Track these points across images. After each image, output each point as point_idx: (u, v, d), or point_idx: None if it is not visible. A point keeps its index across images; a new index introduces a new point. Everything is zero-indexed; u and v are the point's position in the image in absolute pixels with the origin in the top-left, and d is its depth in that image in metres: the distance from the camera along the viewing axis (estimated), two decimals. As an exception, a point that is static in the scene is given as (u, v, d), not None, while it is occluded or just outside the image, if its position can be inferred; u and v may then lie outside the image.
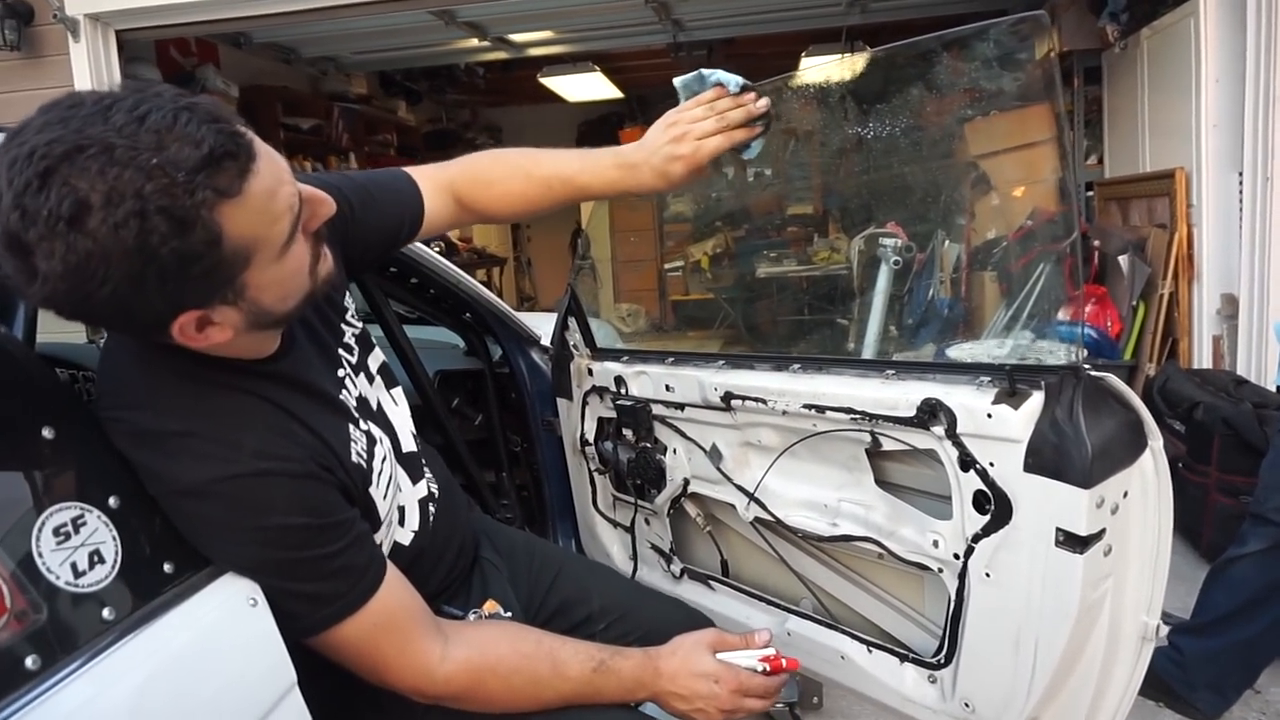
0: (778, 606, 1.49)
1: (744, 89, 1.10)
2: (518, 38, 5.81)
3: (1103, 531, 1.02)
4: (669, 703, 1.03)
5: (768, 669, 1.02)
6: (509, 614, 1.11)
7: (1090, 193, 4.48)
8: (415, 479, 1.08)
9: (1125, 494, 1.05)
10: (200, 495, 0.78)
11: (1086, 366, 1.01)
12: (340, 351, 1.02)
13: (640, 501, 1.67)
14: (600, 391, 1.67)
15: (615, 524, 1.79)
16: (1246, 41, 3.08)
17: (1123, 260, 3.72)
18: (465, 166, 1.21)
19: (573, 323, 1.72)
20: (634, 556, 1.76)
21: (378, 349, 1.12)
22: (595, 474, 1.78)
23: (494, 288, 8.12)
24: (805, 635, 1.42)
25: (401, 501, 1.03)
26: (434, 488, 1.12)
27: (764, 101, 1.11)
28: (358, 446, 0.93)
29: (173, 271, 0.67)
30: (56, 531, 0.67)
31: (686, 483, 1.55)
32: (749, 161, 1.15)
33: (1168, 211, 3.58)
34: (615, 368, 1.62)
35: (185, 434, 0.78)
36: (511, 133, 8.90)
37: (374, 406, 1.05)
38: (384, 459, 0.98)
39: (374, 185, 1.12)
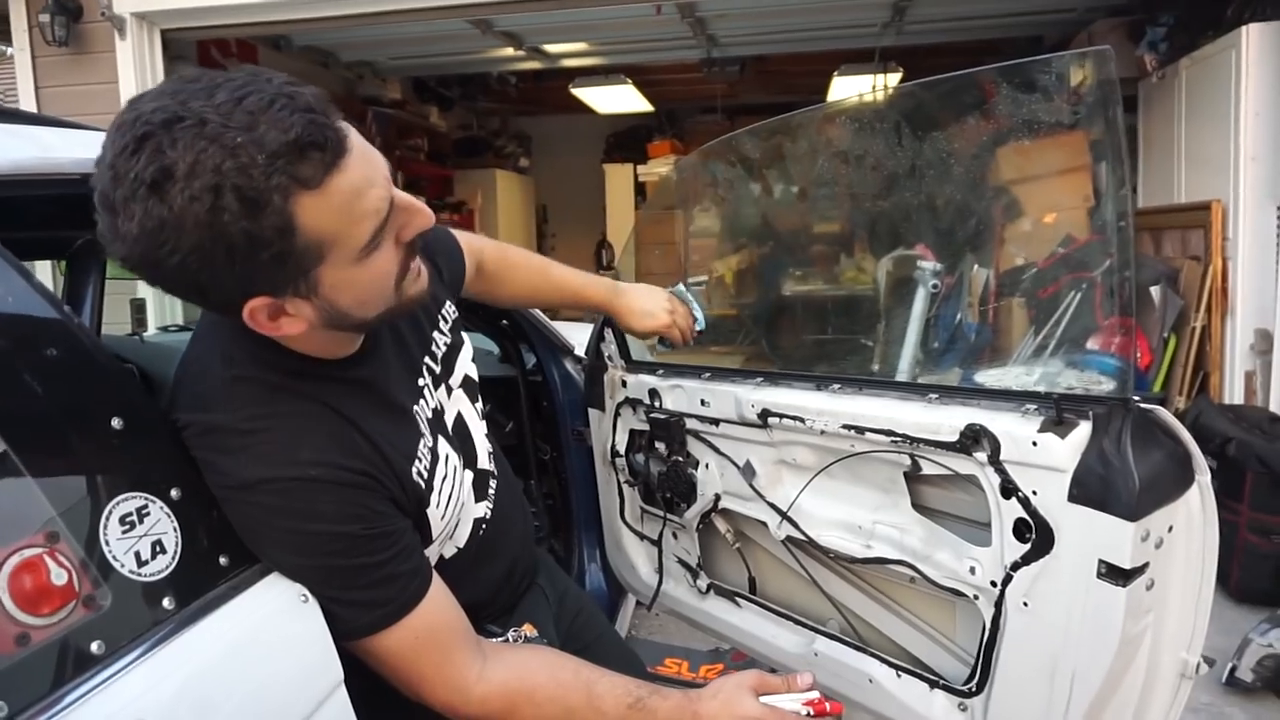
0: (805, 626, 1.48)
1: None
2: (552, 48, 5.84)
3: (1146, 565, 1.01)
4: None
5: (811, 713, 0.99)
6: (544, 641, 1.11)
7: (1122, 222, 4.44)
8: (478, 498, 1.09)
9: (1170, 528, 1.04)
10: (250, 491, 0.79)
11: (1136, 398, 1.00)
12: (426, 361, 1.02)
13: (669, 515, 1.66)
14: (633, 404, 1.67)
15: (642, 537, 1.79)
16: (1289, 76, 3.07)
17: (1154, 291, 3.69)
18: (498, 246, 1.39)
19: (609, 334, 1.73)
20: (660, 570, 1.76)
21: (467, 362, 1.13)
22: (624, 486, 1.78)
23: (518, 295, 8.13)
24: (832, 656, 1.41)
25: (461, 516, 1.03)
26: (489, 511, 1.11)
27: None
28: (420, 464, 0.93)
29: (242, 253, 0.68)
30: (123, 520, 0.68)
31: (717, 498, 1.54)
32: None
33: (1202, 243, 3.55)
34: (650, 380, 1.62)
35: (248, 433, 0.79)
36: (541, 141, 8.92)
37: (450, 421, 1.05)
38: (446, 477, 0.98)
39: (437, 242, 1.15)
